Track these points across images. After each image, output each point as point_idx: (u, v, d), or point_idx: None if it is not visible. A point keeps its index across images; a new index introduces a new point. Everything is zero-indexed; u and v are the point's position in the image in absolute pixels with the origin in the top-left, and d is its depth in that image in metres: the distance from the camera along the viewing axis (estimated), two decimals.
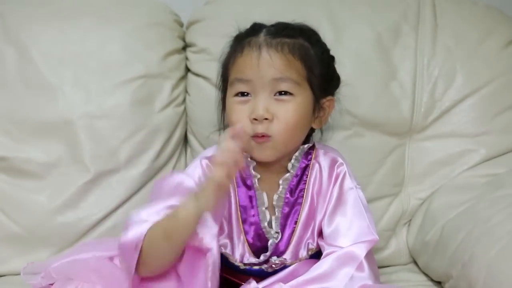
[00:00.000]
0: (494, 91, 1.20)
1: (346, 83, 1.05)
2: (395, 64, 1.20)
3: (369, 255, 0.92)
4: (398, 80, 1.20)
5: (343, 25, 1.20)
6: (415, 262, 1.20)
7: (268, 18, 1.04)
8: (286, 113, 0.92)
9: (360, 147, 1.17)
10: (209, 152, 1.00)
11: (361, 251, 0.90)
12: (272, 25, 0.98)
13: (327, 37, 1.02)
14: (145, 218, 0.87)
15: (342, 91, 1.05)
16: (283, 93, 0.92)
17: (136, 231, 0.85)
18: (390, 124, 1.19)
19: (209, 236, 0.86)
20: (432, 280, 1.12)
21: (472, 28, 1.24)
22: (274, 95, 0.92)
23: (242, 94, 0.94)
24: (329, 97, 0.99)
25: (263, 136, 0.91)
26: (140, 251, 0.85)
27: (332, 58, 1.02)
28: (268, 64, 0.91)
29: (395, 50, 1.20)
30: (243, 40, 0.96)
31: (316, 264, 0.92)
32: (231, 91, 0.95)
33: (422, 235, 1.15)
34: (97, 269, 0.90)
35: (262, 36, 0.94)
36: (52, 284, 0.90)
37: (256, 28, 0.97)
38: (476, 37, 1.23)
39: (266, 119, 0.90)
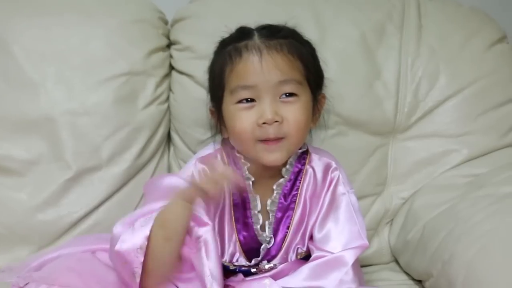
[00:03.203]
0: (477, 92, 1.21)
1: (331, 81, 1.05)
2: (379, 64, 1.20)
3: (355, 260, 0.92)
4: (382, 80, 1.20)
5: (328, 24, 1.19)
6: (397, 261, 1.20)
7: (254, 17, 1.03)
8: (294, 114, 0.91)
9: (344, 146, 1.16)
10: (205, 152, 0.99)
11: (350, 257, 0.91)
12: (262, 28, 0.96)
13: (311, 36, 1.02)
14: (141, 224, 0.86)
15: (326, 90, 1.04)
16: (288, 94, 0.91)
17: (137, 236, 0.84)
18: (374, 123, 1.19)
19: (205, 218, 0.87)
20: (413, 279, 1.13)
21: (457, 29, 1.25)
22: (280, 97, 0.91)
23: (247, 100, 0.92)
24: (322, 94, 1.00)
25: (276, 139, 0.90)
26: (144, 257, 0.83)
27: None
28: (272, 67, 0.90)
29: (379, 50, 1.20)
30: (236, 44, 0.93)
31: (305, 265, 0.92)
32: (232, 99, 0.92)
33: (404, 234, 1.15)
34: (72, 267, 0.88)
35: (257, 39, 0.93)
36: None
37: (246, 32, 0.95)
38: (460, 38, 1.23)
39: (276, 121, 0.89)
